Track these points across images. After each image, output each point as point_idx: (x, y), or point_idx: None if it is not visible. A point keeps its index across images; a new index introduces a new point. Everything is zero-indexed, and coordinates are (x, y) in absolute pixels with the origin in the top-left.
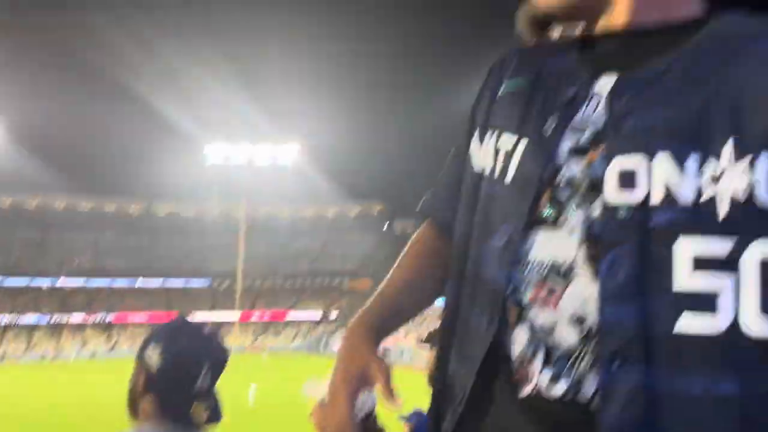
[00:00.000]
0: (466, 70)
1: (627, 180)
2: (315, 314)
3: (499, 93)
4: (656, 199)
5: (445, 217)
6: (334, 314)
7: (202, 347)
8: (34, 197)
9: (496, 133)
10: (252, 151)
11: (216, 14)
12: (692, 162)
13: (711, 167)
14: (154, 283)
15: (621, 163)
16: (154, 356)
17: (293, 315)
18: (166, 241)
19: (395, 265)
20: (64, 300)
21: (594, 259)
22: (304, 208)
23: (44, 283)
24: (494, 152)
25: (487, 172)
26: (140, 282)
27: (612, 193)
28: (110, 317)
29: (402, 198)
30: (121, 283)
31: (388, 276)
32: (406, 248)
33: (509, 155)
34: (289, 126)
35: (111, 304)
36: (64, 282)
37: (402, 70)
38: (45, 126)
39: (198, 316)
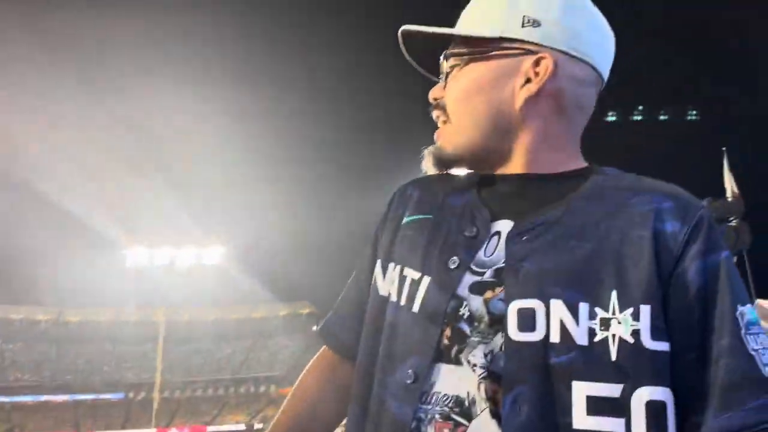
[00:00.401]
0: (394, 169)
1: (527, 321)
2: (239, 426)
3: (402, 223)
4: (554, 338)
5: (345, 341)
6: (259, 425)
7: None
8: None
9: (398, 267)
10: (173, 254)
11: (134, 111)
12: (583, 309)
13: (600, 314)
14: (62, 397)
15: (520, 305)
16: None
17: (215, 427)
18: (77, 351)
19: (289, 395)
20: None
21: (495, 395)
22: (228, 312)
23: None
24: (399, 281)
25: (393, 298)
26: (46, 396)
27: (514, 332)
28: None
29: (331, 298)
30: (25, 398)
31: (282, 407)
32: (301, 375)
33: (415, 285)
34: (213, 226)
35: (11, 423)
36: None
37: (329, 169)
38: None
39: None
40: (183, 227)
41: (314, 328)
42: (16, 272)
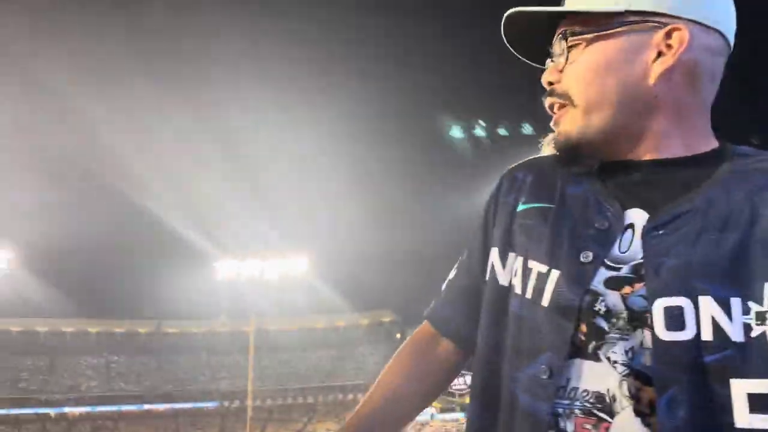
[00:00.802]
0: (477, 177)
1: (675, 320)
2: None
3: (517, 210)
4: (707, 336)
5: (454, 325)
6: None
7: None
8: (44, 323)
9: (521, 258)
10: (261, 265)
11: (226, 126)
12: (735, 304)
13: (755, 308)
14: (163, 406)
15: (666, 303)
16: None
17: None
18: (176, 362)
19: (385, 369)
20: (69, 428)
21: (639, 393)
22: (312, 321)
23: (52, 410)
24: (523, 273)
25: (518, 290)
26: (148, 406)
27: (661, 331)
28: None
29: (413, 306)
30: (130, 407)
31: (377, 381)
32: (400, 349)
33: (543, 278)
34: (297, 237)
35: (117, 430)
36: (72, 408)
37: (411, 176)
38: (53, 248)
39: None
40: (269, 239)
41: (397, 335)
42: (118, 288)
